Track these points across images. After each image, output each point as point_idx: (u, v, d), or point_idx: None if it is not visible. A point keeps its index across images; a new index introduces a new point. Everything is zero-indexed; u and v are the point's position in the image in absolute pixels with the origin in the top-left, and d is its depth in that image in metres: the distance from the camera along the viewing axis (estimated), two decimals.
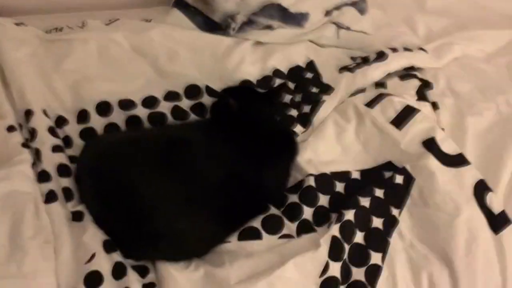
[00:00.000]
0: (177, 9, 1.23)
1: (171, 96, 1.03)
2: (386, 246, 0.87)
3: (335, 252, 0.82)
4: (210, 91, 1.05)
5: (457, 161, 0.94)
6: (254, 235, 0.85)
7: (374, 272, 0.84)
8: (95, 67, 1.07)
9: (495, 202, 0.90)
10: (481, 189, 0.91)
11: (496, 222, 0.88)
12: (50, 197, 0.84)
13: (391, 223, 0.89)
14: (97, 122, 0.97)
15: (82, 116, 0.98)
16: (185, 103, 1.03)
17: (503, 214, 0.89)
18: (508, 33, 1.32)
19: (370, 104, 1.03)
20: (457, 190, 0.90)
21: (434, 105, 1.09)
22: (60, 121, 0.96)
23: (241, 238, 0.84)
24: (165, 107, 1.01)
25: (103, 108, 0.99)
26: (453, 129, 1.05)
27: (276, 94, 1.02)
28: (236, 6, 1.18)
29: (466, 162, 0.94)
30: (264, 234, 0.85)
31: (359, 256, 0.85)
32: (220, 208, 0.83)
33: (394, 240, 0.88)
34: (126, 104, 1.00)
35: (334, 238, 0.83)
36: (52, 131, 0.93)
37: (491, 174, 0.95)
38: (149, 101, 1.01)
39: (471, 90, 1.17)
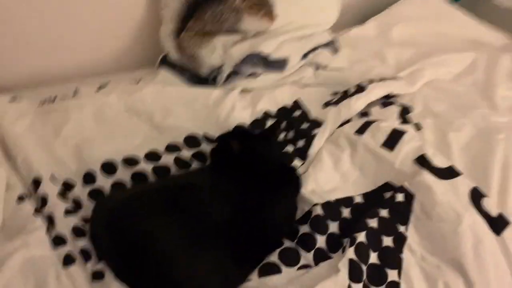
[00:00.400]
0: (163, 68, 1.30)
1: (171, 148, 1.08)
2: (400, 262, 0.90)
3: (354, 274, 0.85)
4: (208, 139, 1.10)
5: (449, 173, 1.00)
6: (273, 270, 0.87)
7: (395, 286, 0.87)
8: (93, 130, 1.11)
9: (491, 206, 0.96)
10: (476, 196, 0.97)
11: (496, 224, 0.93)
12: (68, 260, 0.85)
13: (400, 239, 0.93)
14: (104, 182, 1.00)
15: (89, 177, 1.00)
16: (186, 154, 1.07)
17: (501, 216, 0.95)
18: (470, 55, 1.45)
19: (360, 131, 1.10)
20: (455, 200, 0.95)
21: (417, 126, 1.17)
22: (68, 185, 0.98)
23: (261, 274, 0.86)
24: (167, 159, 1.05)
25: (108, 167, 1.02)
26: (438, 146, 1.13)
27: (272, 133, 1.07)
28: (221, 59, 1.26)
29: (458, 173, 1.00)
30: (283, 267, 0.87)
31: (378, 275, 0.87)
32: (237, 248, 0.86)
33: (406, 255, 0.92)
34: (130, 161, 1.03)
35: (351, 261, 0.86)
36: (61, 195, 0.95)
37: (481, 182, 1.02)
38: (152, 156, 1.05)
39: (447, 109, 1.26)
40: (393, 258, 0.91)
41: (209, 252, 0.83)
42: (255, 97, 1.24)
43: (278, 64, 1.28)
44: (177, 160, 1.05)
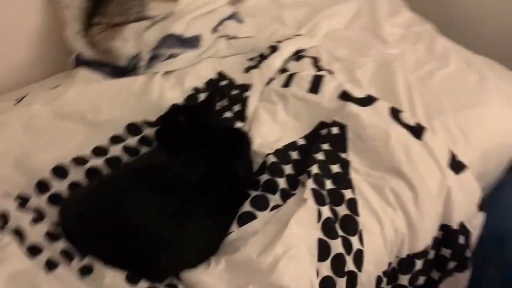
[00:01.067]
0: (80, 68, 1.28)
1: (115, 140, 1.08)
2: (350, 182, 1.03)
3: (319, 200, 0.96)
4: (148, 123, 1.13)
5: (369, 100, 1.16)
6: (249, 217, 0.94)
7: (353, 205, 0.99)
8: (28, 143, 1.07)
9: (408, 118, 1.13)
10: (395, 113, 1.14)
11: (417, 132, 1.11)
12: (51, 265, 0.84)
13: (345, 164, 1.07)
14: (59, 186, 0.98)
15: (42, 185, 0.98)
16: (131, 142, 1.09)
17: (418, 124, 1.13)
18: (353, 4, 1.63)
19: (286, 85, 1.21)
20: (380, 120, 1.11)
21: (329, 71, 1.31)
22: (23, 198, 0.95)
23: (240, 224, 0.93)
24: (115, 150, 1.06)
25: (59, 171, 1.00)
26: (350, 83, 1.28)
27: (210, 103, 1.14)
28: (135, 47, 1.28)
29: (375, 98, 1.16)
30: (257, 213, 0.95)
31: (336, 197, 1.00)
32: (214, 206, 0.92)
33: (353, 175, 1.05)
34: (79, 160, 1.02)
35: (313, 190, 0.97)
36: (21, 209, 0.92)
37: (393, 102, 1.19)
38: (99, 150, 1.05)
39: (348, 52, 1.42)
40: (344, 180, 1.03)
41: (190, 216, 0.88)
42: (179, 76, 1.28)
43: (192, 42, 1.33)
44: (126, 149, 1.07)
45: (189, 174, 0.94)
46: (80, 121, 1.14)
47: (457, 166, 1.09)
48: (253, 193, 0.99)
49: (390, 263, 1.01)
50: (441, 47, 1.50)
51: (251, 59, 1.37)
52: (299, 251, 0.88)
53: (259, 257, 0.86)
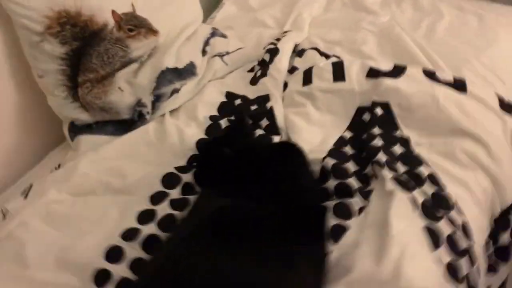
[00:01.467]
0: (80, 135, 1.14)
1: (157, 199, 0.95)
2: (420, 158, 0.96)
3: (404, 187, 0.87)
4: (181, 169, 1.00)
5: (398, 70, 1.09)
6: (341, 229, 0.84)
7: (435, 180, 0.91)
8: (61, 237, 0.91)
9: (446, 74, 1.08)
10: (429, 74, 1.08)
11: (459, 86, 1.05)
12: None
13: (405, 142, 0.99)
14: (120, 270, 0.84)
15: (100, 277, 0.83)
16: (175, 193, 0.96)
17: (456, 79, 1.07)
18: None
19: (306, 82, 1.13)
20: (420, 86, 1.05)
21: (337, 57, 1.24)
22: None
23: (336, 240, 0.83)
24: (163, 209, 0.93)
25: (113, 253, 0.86)
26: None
27: (242, 125, 1.03)
28: (134, 94, 1.15)
29: (403, 67, 1.10)
30: (347, 222, 0.85)
31: (416, 178, 0.91)
32: (301, 233, 0.81)
33: (418, 149, 0.98)
34: (129, 234, 0.88)
35: (394, 179, 0.88)
36: None
37: (416, 65, 1.14)
38: (144, 216, 0.92)
39: (341, 33, 1.37)
40: (413, 159, 0.96)
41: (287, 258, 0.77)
42: (189, 110, 1.17)
43: (189, 70, 1.22)
44: (173, 204, 0.94)
45: (262, 209, 0.83)
46: (106, 192, 1.00)
47: (508, 107, 1.04)
48: (330, 203, 0.89)
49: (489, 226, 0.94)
50: (425, 1, 1.47)
51: (251, 69, 1.28)
52: (416, 248, 0.79)
53: (378, 268, 0.76)
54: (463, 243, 0.83)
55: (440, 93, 1.03)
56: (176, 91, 1.18)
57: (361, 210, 0.87)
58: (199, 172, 0.96)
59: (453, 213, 0.86)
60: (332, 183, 0.92)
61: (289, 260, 0.75)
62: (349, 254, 0.80)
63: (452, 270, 0.79)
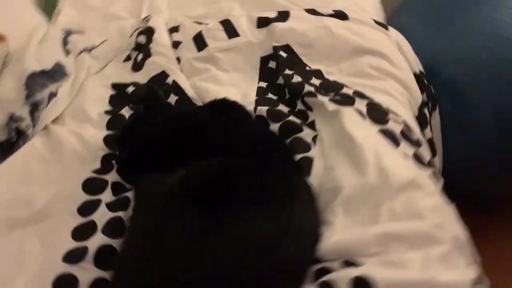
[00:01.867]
0: None
1: (87, 209, 0.76)
2: (338, 83, 0.97)
3: (343, 103, 0.88)
4: (100, 171, 0.83)
5: (283, 14, 1.09)
6: (309, 162, 0.80)
7: (360, 93, 0.93)
8: None
9: (322, 10, 1.12)
10: (312, 11, 1.11)
11: (340, 15, 1.11)
12: None
13: (318, 73, 1.01)
14: None
15: None
16: (106, 197, 0.78)
17: (335, 11, 1.12)
18: None
19: (201, 47, 1.07)
20: (309, 22, 1.08)
21: None
22: None
23: (309, 172, 0.78)
24: (101, 215, 0.74)
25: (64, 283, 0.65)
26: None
27: (155, 96, 0.89)
28: (1, 112, 0.91)
29: (286, 11, 1.11)
30: (309, 154, 0.81)
31: (346, 97, 0.92)
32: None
33: (331, 78, 1.00)
34: (72, 255, 0.68)
35: (331, 100, 0.88)
36: None
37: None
38: (82, 232, 0.73)
39: (203, 8, 1.30)
40: (332, 84, 0.97)
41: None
42: (76, 114, 0.96)
43: (59, 71, 1.03)
44: (110, 206, 0.77)
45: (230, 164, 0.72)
46: (13, 228, 0.76)
47: (382, 25, 1.14)
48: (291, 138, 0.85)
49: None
50: None
51: (127, 58, 1.14)
52: (383, 149, 0.79)
53: (365, 177, 0.74)
54: (414, 136, 0.87)
55: (329, 23, 1.07)
56: (53, 94, 0.97)
57: (313, 140, 0.84)
58: (133, 159, 0.81)
59: (391, 115, 0.89)
60: (275, 126, 0.87)
61: (277, 197, 0.67)
62: (329, 178, 0.76)
63: (418, 159, 0.81)
